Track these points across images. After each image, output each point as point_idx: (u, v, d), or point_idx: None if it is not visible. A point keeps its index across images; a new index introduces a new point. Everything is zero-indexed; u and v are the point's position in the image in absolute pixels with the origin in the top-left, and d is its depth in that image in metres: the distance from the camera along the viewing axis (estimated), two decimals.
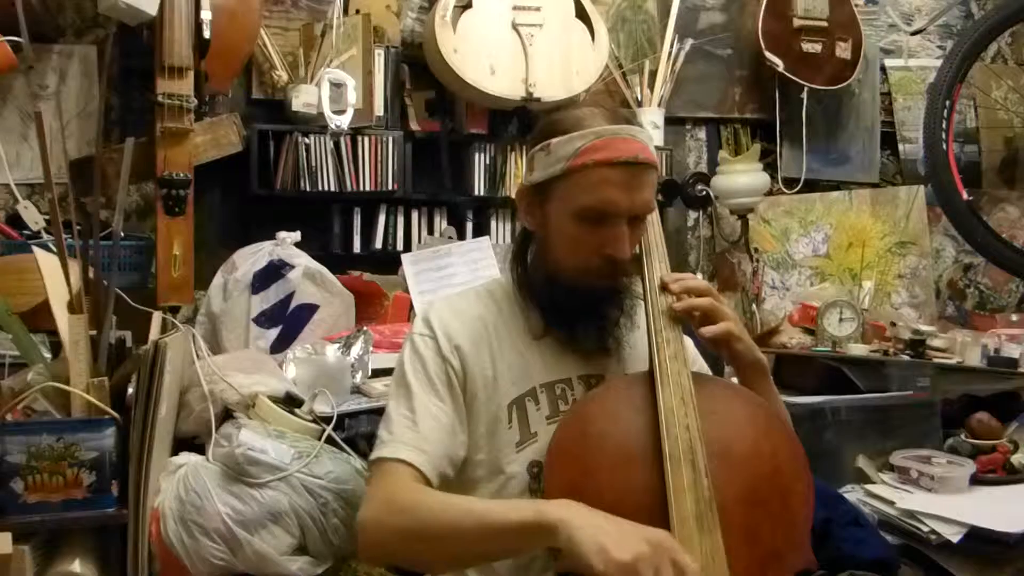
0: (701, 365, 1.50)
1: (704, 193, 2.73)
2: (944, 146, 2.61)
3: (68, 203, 1.85)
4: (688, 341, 1.40)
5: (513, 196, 2.02)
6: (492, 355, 1.33)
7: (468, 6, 2.37)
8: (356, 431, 1.73)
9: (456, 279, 2.21)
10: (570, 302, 1.32)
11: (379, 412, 1.45)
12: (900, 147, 2.95)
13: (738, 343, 1.31)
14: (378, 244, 2.44)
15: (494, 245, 2.35)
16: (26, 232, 2.12)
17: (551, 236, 1.32)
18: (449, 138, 2.51)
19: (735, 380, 1.45)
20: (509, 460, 1.29)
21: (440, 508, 1.16)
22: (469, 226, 2.52)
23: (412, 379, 1.31)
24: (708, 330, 1.29)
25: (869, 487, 1.95)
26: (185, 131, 2.02)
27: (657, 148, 2.58)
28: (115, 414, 1.57)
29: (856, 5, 2.77)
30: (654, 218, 1.41)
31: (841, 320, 2.42)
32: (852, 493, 1.93)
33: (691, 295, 1.31)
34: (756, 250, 2.80)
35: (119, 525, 1.55)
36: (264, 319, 2.07)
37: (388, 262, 2.38)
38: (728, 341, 1.30)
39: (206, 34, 2.03)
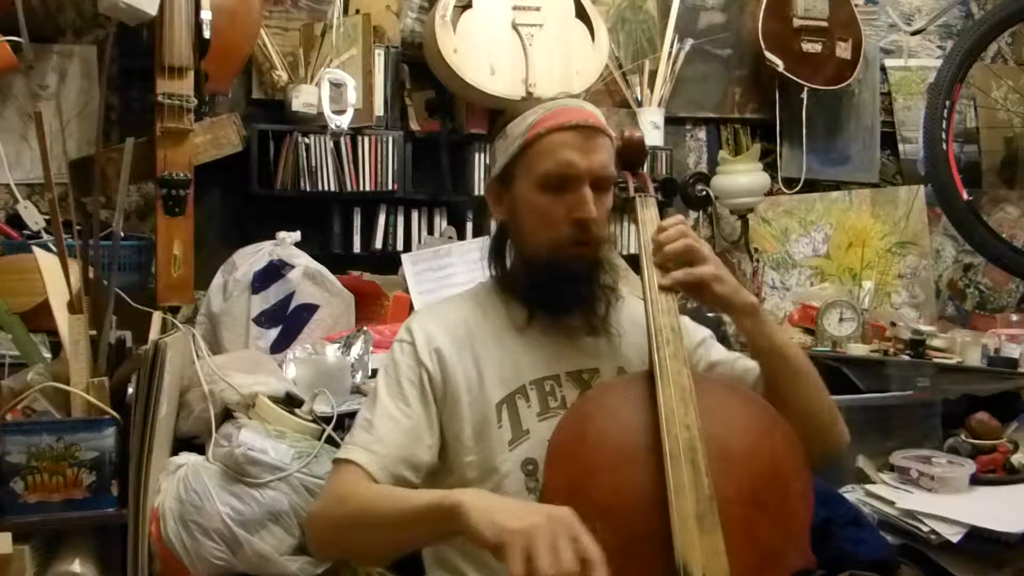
0: (703, 337, 1.50)
1: (704, 193, 2.73)
2: (944, 146, 2.61)
3: (68, 203, 1.86)
4: (685, 319, 1.41)
5: None
6: (476, 357, 1.33)
7: (468, 6, 2.37)
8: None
9: (456, 279, 2.21)
10: (550, 280, 1.33)
11: None
12: (900, 147, 2.95)
13: (718, 285, 1.29)
14: (378, 244, 2.44)
15: None
16: (26, 232, 2.12)
17: (521, 217, 1.34)
18: (449, 138, 2.51)
19: (743, 362, 1.46)
20: (503, 459, 1.29)
21: (369, 497, 1.19)
22: (469, 226, 2.52)
23: (381, 385, 1.33)
24: (671, 276, 1.29)
25: (869, 487, 1.95)
26: (185, 131, 2.02)
27: (657, 148, 2.62)
28: (115, 414, 1.57)
29: (856, 5, 2.77)
30: (652, 216, 1.41)
31: (841, 320, 2.42)
32: (852, 493, 1.93)
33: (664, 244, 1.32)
34: (756, 250, 2.80)
35: (119, 525, 1.55)
36: (264, 319, 2.07)
37: (388, 262, 2.38)
38: (706, 284, 1.29)
39: (206, 34, 2.03)
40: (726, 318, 2.47)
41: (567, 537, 0.96)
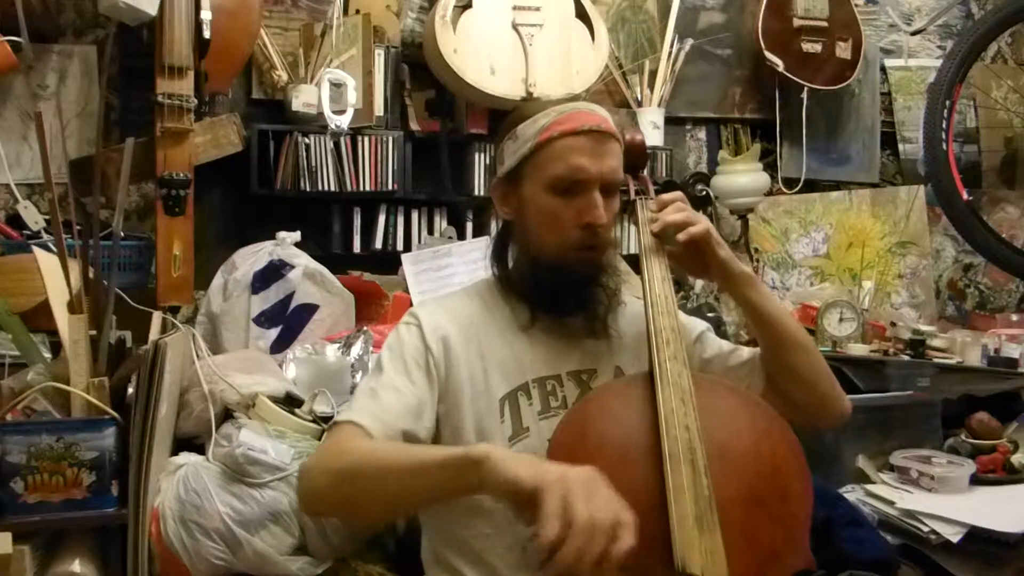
0: (699, 332, 1.51)
1: (704, 193, 2.73)
2: (944, 146, 2.61)
3: (68, 203, 1.86)
4: (680, 314, 1.41)
5: None
6: (482, 350, 1.34)
7: (468, 6, 2.36)
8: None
9: (456, 279, 2.21)
10: (554, 283, 1.34)
11: None
12: (900, 147, 2.95)
13: (720, 249, 1.35)
14: (378, 244, 2.44)
15: None
16: (26, 232, 2.12)
17: (528, 218, 1.35)
18: (449, 138, 2.51)
19: (738, 354, 1.47)
20: None
21: (375, 448, 1.18)
22: (469, 226, 2.52)
23: (386, 360, 1.33)
24: (686, 231, 1.33)
25: (869, 487, 1.95)
26: (185, 131, 2.02)
27: (657, 148, 2.62)
28: (115, 414, 1.57)
29: (856, 5, 2.76)
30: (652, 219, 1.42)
31: (841, 320, 2.42)
32: (852, 493, 1.93)
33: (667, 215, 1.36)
34: (756, 250, 2.80)
35: (119, 525, 1.55)
36: (264, 319, 2.07)
37: (388, 262, 2.38)
38: (710, 247, 1.33)
39: (206, 34, 2.03)
40: (726, 317, 2.48)
41: (602, 493, 0.98)
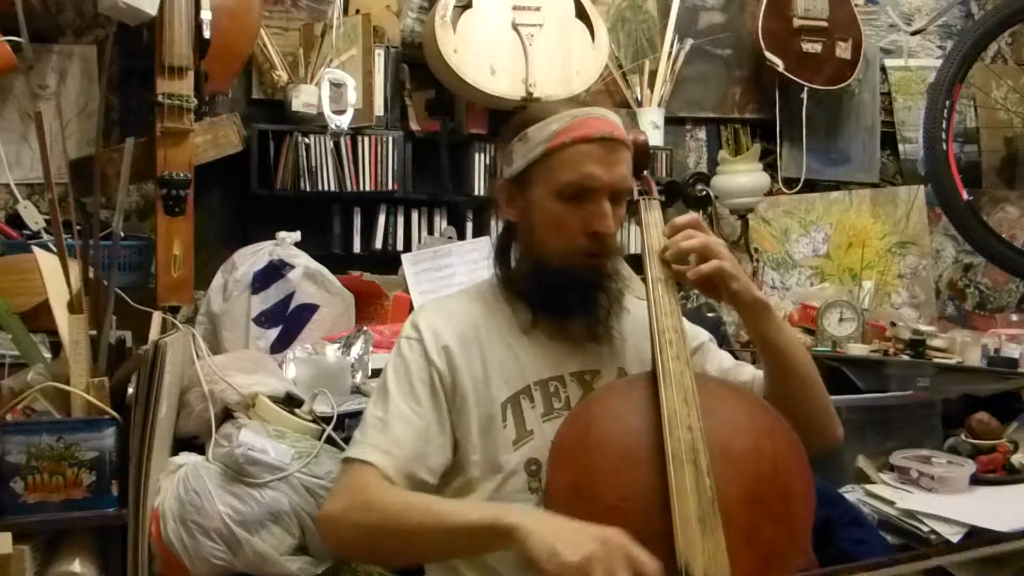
0: (700, 343, 1.50)
1: (704, 193, 2.73)
2: (944, 146, 2.62)
3: (68, 203, 1.85)
4: (685, 322, 1.41)
5: None
6: (483, 354, 1.33)
7: (468, 6, 2.36)
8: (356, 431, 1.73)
9: (456, 279, 2.21)
10: (558, 287, 1.33)
11: None
12: (900, 147, 2.95)
13: (733, 282, 1.29)
14: (378, 244, 2.43)
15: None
16: (26, 232, 2.11)
17: (535, 222, 1.34)
18: (449, 138, 2.51)
19: (735, 372, 1.46)
20: (507, 459, 1.29)
21: (403, 506, 1.18)
22: (469, 226, 2.52)
23: (391, 383, 1.32)
24: (696, 270, 1.29)
25: (869, 487, 1.95)
26: (185, 131, 2.01)
27: (657, 148, 2.62)
28: (115, 414, 1.57)
29: (856, 5, 2.77)
30: (656, 219, 1.42)
31: (841, 320, 2.42)
32: (852, 493, 1.93)
33: (680, 241, 1.32)
34: (756, 250, 2.81)
35: (119, 525, 1.55)
36: (264, 319, 2.07)
37: (388, 262, 2.37)
38: (723, 280, 1.29)
39: (206, 34, 2.03)
40: (726, 317, 2.48)
41: (623, 561, 0.99)
